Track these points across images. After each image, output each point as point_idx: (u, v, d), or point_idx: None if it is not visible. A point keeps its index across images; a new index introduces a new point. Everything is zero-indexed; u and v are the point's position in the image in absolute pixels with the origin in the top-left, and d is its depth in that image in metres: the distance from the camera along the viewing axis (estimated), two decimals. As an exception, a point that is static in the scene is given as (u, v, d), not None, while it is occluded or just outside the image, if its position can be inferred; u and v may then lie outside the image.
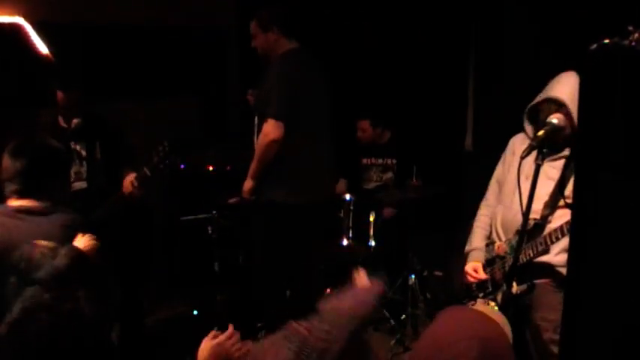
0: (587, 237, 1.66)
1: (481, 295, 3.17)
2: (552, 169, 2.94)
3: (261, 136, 3.85)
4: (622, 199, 1.56)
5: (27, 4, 4.55)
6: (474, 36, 5.21)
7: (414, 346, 1.63)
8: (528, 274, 2.94)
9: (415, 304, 4.69)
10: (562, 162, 2.93)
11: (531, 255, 2.93)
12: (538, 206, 2.92)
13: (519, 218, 2.83)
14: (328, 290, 4.82)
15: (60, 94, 3.76)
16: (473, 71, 5.29)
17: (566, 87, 2.86)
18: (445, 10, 5.26)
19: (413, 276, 4.62)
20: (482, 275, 3.19)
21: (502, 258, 3.12)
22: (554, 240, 2.87)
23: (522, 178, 2.79)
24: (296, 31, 4.01)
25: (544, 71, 3.13)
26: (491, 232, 3.27)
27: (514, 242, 2.97)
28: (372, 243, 4.66)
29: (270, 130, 3.79)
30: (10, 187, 2.61)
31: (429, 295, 4.94)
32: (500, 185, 3.27)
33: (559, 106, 2.83)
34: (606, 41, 1.57)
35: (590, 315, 1.66)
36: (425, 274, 4.96)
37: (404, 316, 4.62)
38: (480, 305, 3.08)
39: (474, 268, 3.23)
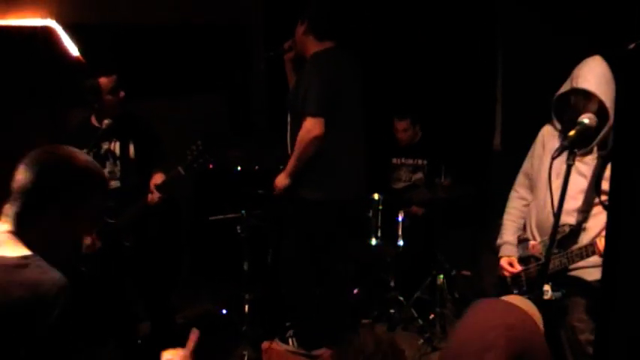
0: (623, 235, 1.64)
1: (515, 292, 3.14)
2: (583, 165, 2.91)
3: (302, 133, 3.83)
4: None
5: (57, 6, 4.61)
6: (501, 34, 5.19)
7: (447, 340, 1.64)
8: (563, 280, 2.92)
9: (443, 303, 4.67)
10: (592, 157, 2.90)
11: (566, 264, 2.91)
12: (571, 206, 2.89)
13: (552, 219, 2.81)
14: (356, 290, 4.86)
15: (104, 80, 3.72)
16: (501, 70, 5.27)
17: (591, 75, 2.82)
18: (472, 8, 5.24)
19: (441, 275, 4.61)
20: (517, 268, 3.16)
21: (538, 259, 3.09)
22: (589, 254, 2.84)
23: (553, 176, 2.77)
24: (327, 33, 4.00)
25: (573, 68, 3.11)
26: (525, 228, 3.24)
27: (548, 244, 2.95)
28: (401, 243, 4.66)
29: (311, 126, 3.79)
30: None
31: (457, 295, 4.93)
32: (530, 179, 3.24)
33: (586, 95, 2.79)
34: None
35: (626, 314, 1.65)
36: (453, 273, 4.95)
37: (432, 315, 4.61)
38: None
39: (509, 262, 3.19)
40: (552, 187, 2.76)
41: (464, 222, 5.06)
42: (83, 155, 1.95)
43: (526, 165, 3.29)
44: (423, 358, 4.32)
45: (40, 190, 1.82)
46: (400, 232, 4.69)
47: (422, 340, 4.46)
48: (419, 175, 5.18)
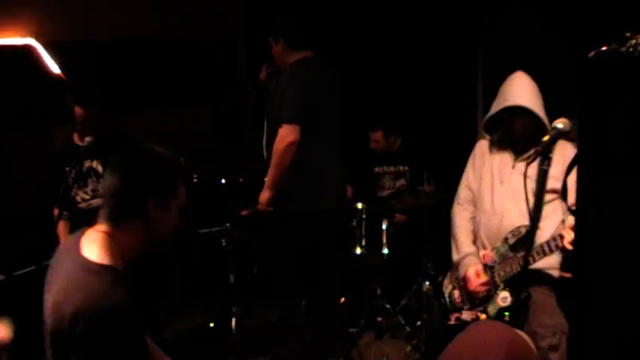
0: (591, 240, 1.66)
1: (466, 307, 3.16)
2: (530, 168, 2.86)
3: (277, 141, 3.86)
4: (625, 202, 1.57)
5: (38, 24, 4.63)
6: (482, 39, 5.23)
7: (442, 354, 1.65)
8: (522, 282, 2.91)
9: (430, 310, 4.68)
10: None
11: (525, 266, 2.88)
12: (523, 208, 2.86)
13: (506, 224, 2.96)
14: (343, 299, 4.86)
15: (78, 110, 3.78)
16: (481, 75, 5.31)
17: (522, 91, 3.01)
18: (452, 13, 5.28)
19: (427, 282, 4.63)
20: (484, 277, 3.17)
21: (491, 267, 3.10)
22: (553, 249, 2.87)
23: (497, 183, 2.88)
24: (302, 42, 4.05)
25: (553, 74, 3.14)
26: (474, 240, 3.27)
27: (502, 250, 2.98)
28: (386, 251, 4.67)
29: (286, 133, 3.81)
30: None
31: (443, 301, 4.93)
32: (473, 191, 3.30)
33: (520, 111, 2.98)
34: (604, 48, 1.59)
35: (599, 319, 1.66)
36: (439, 279, 4.96)
37: (419, 322, 4.62)
38: (468, 315, 3.08)
39: (476, 272, 3.19)
40: (496, 193, 2.95)
41: (449, 228, 5.07)
42: (159, 148, 2.07)
43: (466, 178, 3.40)
44: (411, 365, 4.34)
45: (132, 190, 1.95)
46: (385, 240, 4.71)
47: (409, 347, 4.47)
48: (402, 182, 5.21)
